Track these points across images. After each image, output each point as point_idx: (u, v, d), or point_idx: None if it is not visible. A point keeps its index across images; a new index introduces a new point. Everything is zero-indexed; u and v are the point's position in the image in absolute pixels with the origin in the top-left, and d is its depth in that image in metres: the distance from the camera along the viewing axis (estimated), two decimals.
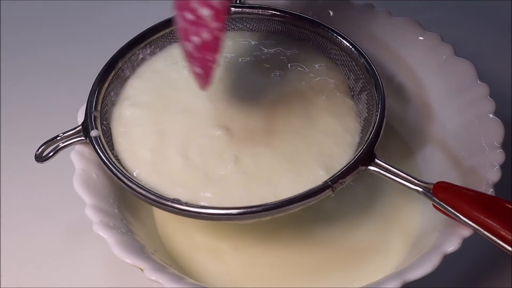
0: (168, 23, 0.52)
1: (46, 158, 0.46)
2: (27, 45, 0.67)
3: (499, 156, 0.45)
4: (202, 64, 0.41)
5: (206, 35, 0.40)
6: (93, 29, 0.68)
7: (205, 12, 0.39)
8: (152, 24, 0.52)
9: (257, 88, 0.49)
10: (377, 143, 0.45)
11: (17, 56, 0.66)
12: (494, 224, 0.39)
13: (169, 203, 0.43)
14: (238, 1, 0.53)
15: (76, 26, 0.69)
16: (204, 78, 0.42)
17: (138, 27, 0.52)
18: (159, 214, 0.51)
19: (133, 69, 0.51)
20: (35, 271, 0.51)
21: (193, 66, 0.42)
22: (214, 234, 0.50)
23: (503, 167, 0.45)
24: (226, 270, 0.48)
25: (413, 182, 0.43)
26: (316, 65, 0.51)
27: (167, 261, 0.46)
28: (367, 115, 0.48)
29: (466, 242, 0.42)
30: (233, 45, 0.52)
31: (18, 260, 0.52)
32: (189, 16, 0.40)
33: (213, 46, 0.40)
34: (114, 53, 0.50)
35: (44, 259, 0.52)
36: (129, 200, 0.48)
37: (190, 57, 0.42)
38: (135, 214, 0.48)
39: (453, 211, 0.41)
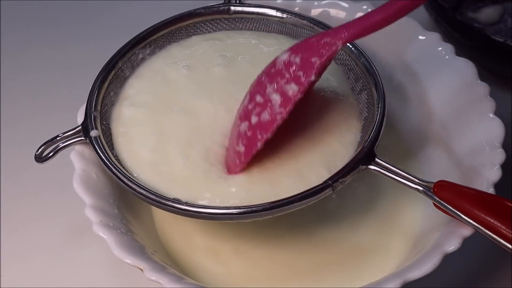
0: (168, 23, 0.52)
1: (46, 158, 0.46)
2: (27, 45, 0.67)
3: (499, 156, 0.45)
4: (248, 143, 0.43)
5: (266, 117, 0.43)
6: (93, 29, 0.68)
7: (276, 97, 0.42)
8: (152, 24, 0.52)
9: None
10: (377, 143, 0.44)
11: (17, 56, 0.66)
12: (495, 222, 0.39)
13: (169, 203, 0.43)
14: (238, 1, 0.53)
15: (76, 26, 0.69)
16: (243, 157, 0.43)
17: (138, 27, 0.52)
18: (159, 215, 0.51)
19: (133, 69, 0.51)
20: (35, 271, 0.51)
21: (237, 145, 0.44)
22: (214, 236, 0.50)
23: (503, 166, 0.45)
24: (226, 271, 0.48)
25: (414, 181, 0.43)
26: None
27: (167, 261, 0.46)
28: (367, 114, 0.48)
29: (466, 241, 0.42)
30: (233, 44, 0.52)
31: (18, 260, 0.52)
32: (259, 98, 0.43)
33: (268, 127, 0.43)
34: (114, 53, 0.50)
35: (44, 259, 0.52)
36: (129, 200, 0.48)
37: (239, 136, 0.43)
38: (135, 214, 0.48)
39: (453, 209, 0.41)
